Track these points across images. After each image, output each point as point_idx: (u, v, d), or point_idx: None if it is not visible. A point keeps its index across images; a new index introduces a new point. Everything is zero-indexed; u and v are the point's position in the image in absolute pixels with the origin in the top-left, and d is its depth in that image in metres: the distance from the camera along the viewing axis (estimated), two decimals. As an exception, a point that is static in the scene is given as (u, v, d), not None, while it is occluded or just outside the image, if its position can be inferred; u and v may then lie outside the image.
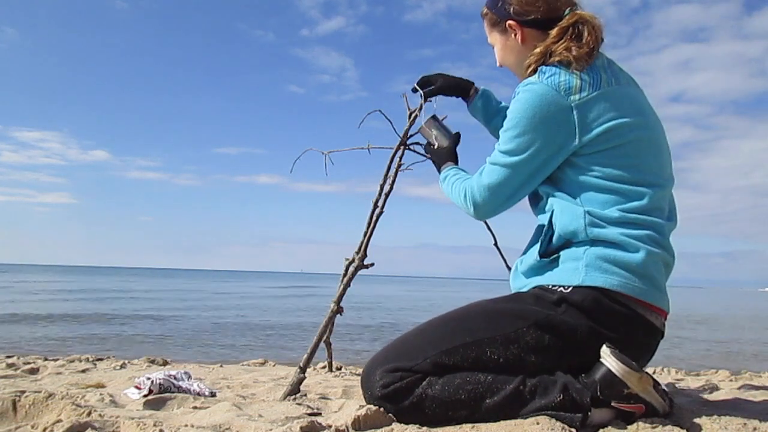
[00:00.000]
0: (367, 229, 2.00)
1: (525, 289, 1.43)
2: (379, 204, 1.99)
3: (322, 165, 2.27)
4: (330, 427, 1.25)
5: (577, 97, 1.34)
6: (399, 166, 1.99)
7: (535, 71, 1.44)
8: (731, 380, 3.05)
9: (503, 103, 1.89)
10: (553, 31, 1.44)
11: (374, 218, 2.00)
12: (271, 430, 1.25)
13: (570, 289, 1.33)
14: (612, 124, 1.34)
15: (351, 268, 1.99)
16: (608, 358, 1.29)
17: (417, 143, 2.07)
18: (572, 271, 1.34)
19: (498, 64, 1.62)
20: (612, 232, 1.33)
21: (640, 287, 1.32)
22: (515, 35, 1.52)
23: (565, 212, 1.38)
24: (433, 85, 1.89)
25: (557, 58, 1.40)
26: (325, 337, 2.20)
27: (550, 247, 1.41)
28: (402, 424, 1.28)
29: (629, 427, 1.28)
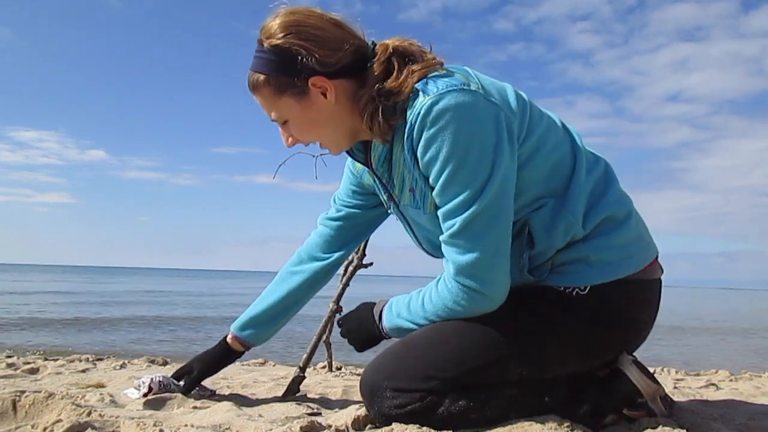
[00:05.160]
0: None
1: (535, 296, 1.30)
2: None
3: (320, 165, 2.28)
4: (330, 427, 1.25)
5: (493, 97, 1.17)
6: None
7: (383, 124, 1.18)
8: (731, 380, 3.05)
9: None
10: (375, 69, 1.19)
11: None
12: (271, 430, 1.25)
13: (586, 289, 1.26)
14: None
15: (350, 268, 1.99)
16: (630, 369, 1.28)
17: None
18: (575, 273, 1.26)
19: (298, 142, 1.28)
20: (590, 222, 1.25)
21: (637, 256, 1.28)
22: (327, 94, 1.20)
23: (539, 224, 1.25)
24: None
25: (422, 73, 1.16)
26: (324, 337, 2.20)
27: (540, 260, 1.28)
28: (402, 424, 1.28)
29: (631, 426, 1.28)
